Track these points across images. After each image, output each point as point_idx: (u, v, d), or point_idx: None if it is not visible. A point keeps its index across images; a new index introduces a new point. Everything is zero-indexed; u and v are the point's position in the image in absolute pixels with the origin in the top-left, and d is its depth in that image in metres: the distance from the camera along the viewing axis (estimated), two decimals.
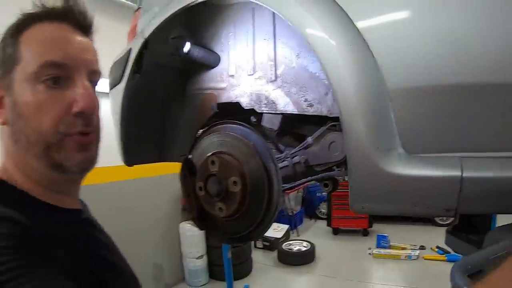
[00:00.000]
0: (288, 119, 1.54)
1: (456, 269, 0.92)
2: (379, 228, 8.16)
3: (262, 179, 1.39)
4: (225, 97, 1.69)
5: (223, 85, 1.70)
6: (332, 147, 1.40)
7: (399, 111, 1.07)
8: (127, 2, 4.88)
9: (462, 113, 1.03)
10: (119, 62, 1.71)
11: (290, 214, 8.54)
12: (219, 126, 1.57)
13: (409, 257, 6.61)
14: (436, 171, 1.02)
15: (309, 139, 1.47)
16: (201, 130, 1.72)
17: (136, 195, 5.16)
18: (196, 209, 1.50)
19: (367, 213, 1.16)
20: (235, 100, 1.64)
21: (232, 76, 1.66)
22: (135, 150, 1.80)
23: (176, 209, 6.03)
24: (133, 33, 1.80)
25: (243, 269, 5.81)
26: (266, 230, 1.48)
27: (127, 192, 5.00)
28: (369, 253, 6.89)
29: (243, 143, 1.44)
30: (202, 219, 1.54)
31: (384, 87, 1.07)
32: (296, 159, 1.48)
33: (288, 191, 1.59)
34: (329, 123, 1.43)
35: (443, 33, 1.03)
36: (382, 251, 6.86)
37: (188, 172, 1.52)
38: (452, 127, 1.05)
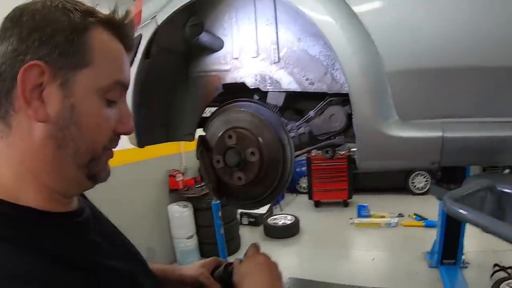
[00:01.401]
0: (288, 96, 1.72)
1: (447, 198, 1.15)
2: (358, 199, 8.50)
3: (276, 148, 1.57)
4: (230, 78, 1.83)
5: (227, 67, 1.84)
6: (332, 118, 1.60)
7: (394, 87, 1.32)
8: None
9: (442, 89, 1.31)
10: None
11: None
12: (231, 104, 1.73)
13: (388, 225, 6.95)
14: (423, 133, 1.30)
15: (311, 113, 1.66)
16: (210, 109, 1.88)
17: (123, 181, 5.20)
18: (214, 180, 1.67)
19: (371, 169, 1.39)
20: (240, 81, 1.79)
21: (236, 58, 1.81)
22: (145, 132, 1.91)
23: (164, 192, 6.15)
24: (138, 18, 1.88)
25: (232, 245, 5.98)
26: (280, 195, 1.67)
27: (113, 179, 5.04)
28: (351, 223, 7.22)
29: (257, 118, 1.61)
30: (220, 190, 1.71)
31: (382, 69, 1.31)
32: (301, 130, 1.67)
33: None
34: (327, 98, 1.64)
35: (424, 23, 1.29)
36: (363, 220, 7.20)
37: (204, 148, 1.69)
38: (435, 99, 1.33)
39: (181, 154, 6.53)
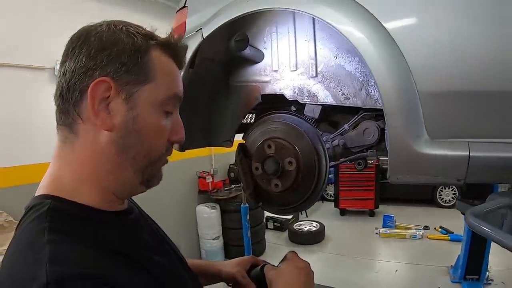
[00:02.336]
0: (324, 109, 1.82)
1: (469, 213, 1.24)
2: (384, 209, 8.48)
3: (312, 158, 1.67)
4: (269, 89, 1.93)
5: (267, 78, 1.94)
6: (366, 132, 1.69)
7: (425, 107, 1.40)
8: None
9: (471, 111, 1.38)
10: None
11: None
12: (271, 115, 1.84)
13: (414, 237, 6.91)
14: (451, 151, 1.37)
15: (346, 126, 1.76)
16: (250, 116, 1.98)
17: None
18: (252, 186, 1.78)
19: (402, 183, 1.47)
20: (279, 92, 1.89)
21: (275, 71, 1.91)
22: (187, 137, 2.03)
23: (193, 192, 6.31)
24: (181, 29, 1.98)
25: (257, 248, 6.11)
26: (314, 202, 1.77)
27: None
28: (376, 233, 7.22)
29: (295, 129, 1.71)
30: (256, 195, 1.82)
31: (414, 88, 1.39)
32: (336, 142, 1.77)
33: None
34: (361, 113, 1.73)
35: (457, 46, 1.36)
36: (388, 230, 7.17)
37: (244, 155, 1.80)
38: (464, 120, 1.40)
39: (212, 156, 6.68)
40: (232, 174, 6.88)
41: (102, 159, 0.80)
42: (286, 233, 7.33)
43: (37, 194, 0.81)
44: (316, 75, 1.78)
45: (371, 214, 8.56)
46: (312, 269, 1.15)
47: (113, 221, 0.83)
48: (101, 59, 0.76)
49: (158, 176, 0.91)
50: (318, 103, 1.78)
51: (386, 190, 8.94)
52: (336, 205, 8.83)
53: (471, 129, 1.38)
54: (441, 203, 8.92)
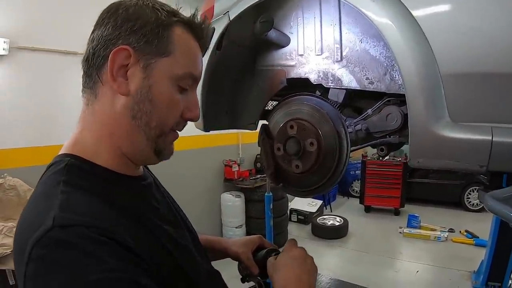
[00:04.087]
0: (348, 94, 1.82)
1: (488, 196, 1.21)
2: (410, 208, 8.35)
3: (334, 140, 1.68)
4: (294, 73, 1.95)
5: (292, 62, 1.96)
6: (389, 117, 1.69)
7: (448, 89, 1.38)
8: None
9: (495, 94, 1.35)
10: None
11: None
12: (295, 97, 1.85)
13: (438, 238, 6.80)
14: (473, 135, 1.34)
15: (369, 111, 1.75)
16: (272, 103, 2.01)
17: (183, 166, 5.48)
18: (273, 166, 1.81)
19: (422, 166, 1.46)
20: (304, 76, 1.90)
21: (301, 55, 1.92)
22: (212, 117, 2.07)
23: (219, 180, 6.40)
24: (209, 14, 2.02)
25: (279, 239, 6.10)
26: (334, 185, 1.77)
27: (174, 163, 5.29)
28: (400, 232, 7.14)
29: (318, 111, 1.72)
30: (277, 176, 1.84)
31: (437, 71, 1.38)
32: (358, 126, 1.76)
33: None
34: (385, 98, 1.73)
35: (479, 29, 1.34)
36: (413, 230, 7.08)
37: (266, 136, 1.82)
38: (487, 104, 1.37)
39: (239, 145, 6.75)
40: (258, 165, 6.93)
41: (118, 122, 0.85)
42: (309, 227, 7.33)
43: (60, 153, 0.88)
44: (341, 60, 1.79)
45: (396, 213, 8.46)
46: (309, 255, 1.17)
47: (125, 183, 0.89)
48: (125, 29, 0.82)
49: (169, 149, 0.95)
50: (342, 87, 1.79)
51: (413, 189, 8.86)
52: (361, 202, 8.76)
53: (495, 113, 1.35)
54: (469, 206, 8.71)
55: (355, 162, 9.41)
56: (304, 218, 7.66)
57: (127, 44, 0.82)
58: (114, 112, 0.85)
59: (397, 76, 1.64)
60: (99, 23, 0.85)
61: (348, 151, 1.67)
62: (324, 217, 7.49)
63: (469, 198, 8.72)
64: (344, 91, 1.79)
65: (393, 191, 8.29)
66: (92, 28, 0.88)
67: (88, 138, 0.87)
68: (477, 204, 8.61)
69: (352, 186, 10.19)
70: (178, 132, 0.96)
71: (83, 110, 0.90)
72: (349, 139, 1.67)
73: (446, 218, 7.93)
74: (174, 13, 0.89)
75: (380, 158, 8.46)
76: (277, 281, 1.04)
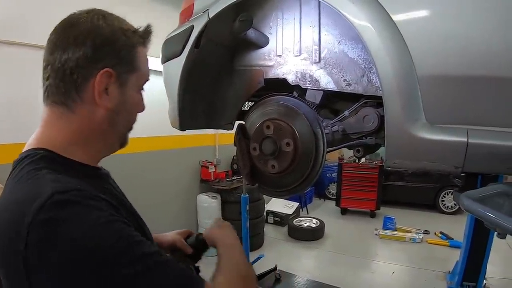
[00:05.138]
0: (326, 96, 1.82)
1: (464, 196, 1.22)
2: (385, 211, 8.45)
3: (310, 141, 1.68)
4: (272, 74, 1.95)
5: (270, 63, 1.96)
6: (365, 119, 1.70)
7: (424, 91, 1.41)
8: None
9: (471, 96, 1.38)
10: (180, 37, 1.94)
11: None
12: (272, 97, 1.84)
13: (413, 240, 6.87)
14: (449, 137, 1.37)
15: (346, 112, 1.76)
16: (249, 104, 2.00)
17: (159, 166, 5.44)
18: (249, 166, 1.79)
19: (398, 167, 1.47)
20: (282, 77, 1.90)
21: (279, 56, 1.92)
22: (188, 116, 2.05)
23: (196, 181, 6.33)
24: (188, 12, 2.02)
25: (256, 241, 6.12)
26: (310, 186, 1.77)
27: (149, 164, 5.30)
28: (376, 234, 7.20)
29: (295, 112, 1.72)
30: (253, 176, 1.83)
31: (414, 73, 1.40)
32: (335, 128, 1.77)
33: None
34: (362, 100, 1.73)
35: (456, 34, 1.37)
36: (388, 232, 7.15)
37: (243, 136, 1.81)
38: (463, 106, 1.40)
39: (216, 146, 6.71)
40: (235, 166, 6.89)
41: (95, 130, 1.00)
42: (285, 228, 7.32)
43: (25, 149, 0.97)
44: (319, 61, 1.79)
45: (372, 215, 8.53)
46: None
47: (95, 173, 1.04)
48: (105, 53, 0.95)
49: (127, 139, 1.14)
50: (320, 88, 1.79)
51: (388, 192, 8.96)
52: (337, 204, 8.81)
53: (471, 115, 1.37)
54: (443, 208, 8.87)
55: (332, 164, 9.48)
56: (281, 220, 7.65)
57: (109, 66, 0.95)
58: (95, 122, 0.98)
59: (374, 78, 1.66)
60: (74, 43, 0.92)
61: (324, 152, 1.68)
62: (301, 219, 7.49)
63: (443, 200, 8.87)
64: (322, 92, 1.80)
65: (369, 193, 8.36)
66: (61, 41, 0.94)
67: (59, 139, 0.96)
68: (451, 206, 8.78)
69: (328, 189, 10.24)
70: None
71: (53, 120, 0.97)
72: (325, 140, 1.68)
73: (421, 220, 8.04)
74: (135, 33, 1.04)
75: (356, 160, 8.53)
76: (214, 235, 1.27)
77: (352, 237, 7.32)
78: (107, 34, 0.96)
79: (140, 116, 1.13)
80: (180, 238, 1.41)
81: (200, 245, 1.37)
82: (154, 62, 4.71)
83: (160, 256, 0.85)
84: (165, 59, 2.04)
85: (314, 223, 7.20)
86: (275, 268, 5.23)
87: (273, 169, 1.70)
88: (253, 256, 4.99)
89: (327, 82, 1.77)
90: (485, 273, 4.75)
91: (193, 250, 1.38)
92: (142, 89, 1.11)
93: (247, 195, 4.71)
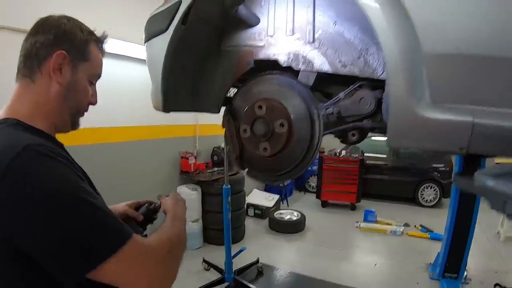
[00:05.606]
0: (319, 78, 1.74)
1: (479, 174, 1.14)
2: (366, 204, 8.52)
3: (306, 122, 1.59)
4: (263, 55, 1.85)
5: (261, 43, 1.86)
6: (362, 101, 1.62)
7: (429, 69, 1.34)
8: None
9: (477, 76, 1.32)
10: (166, 13, 1.83)
11: (281, 185, 8.82)
12: (263, 76, 1.74)
13: (394, 233, 6.93)
14: (454, 117, 1.31)
15: (341, 94, 1.68)
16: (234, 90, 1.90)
17: (138, 157, 5.29)
18: (238, 149, 1.69)
19: (402, 148, 1.40)
20: (273, 58, 1.80)
21: (271, 36, 1.82)
22: (172, 98, 1.93)
23: (175, 172, 6.20)
24: None
25: (236, 234, 6.03)
26: (303, 171, 1.68)
27: (128, 153, 5.15)
28: (356, 226, 7.23)
29: (289, 91, 1.63)
30: (242, 160, 1.73)
31: (419, 51, 1.33)
32: (330, 110, 1.69)
33: None
34: (357, 82, 1.66)
35: (464, 11, 1.31)
36: (369, 225, 7.19)
37: (231, 117, 1.71)
38: (469, 85, 1.34)
39: (196, 137, 6.57)
40: (215, 157, 6.78)
41: (52, 102, 1.19)
42: (266, 221, 7.26)
43: None
44: (313, 41, 1.70)
45: (352, 208, 8.57)
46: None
47: (55, 141, 1.20)
48: (63, 40, 1.19)
49: (78, 123, 1.32)
50: (314, 70, 1.70)
51: (368, 185, 9.03)
52: (318, 197, 8.82)
53: (477, 95, 1.31)
54: (422, 202, 9.04)
55: None
56: (261, 212, 7.60)
57: (64, 50, 1.17)
58: (49, 95, 1.18)
59: (371, 60, 1.59)
60: (42, 31, 1.18)
61: (320, 134, 1.59)
62: (281, 211, 7.44)
63: (422, 194, 9.05)
64: (315, 74, 1.71)
65: (350, 186, 8.39)
66: (34, 29, 1.20)
67: (25, 110, 1.15)
68: (430, 200, 8.98)
69: (308, 182, 10.28)
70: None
71: (20, 92, 1.18)
72: (322, 122, 1.59)
73: (401, 213, 8.13)
74: (91, 33, 1.29)
75: (337, 153, 8.57)
76: (169, 205, 1.43)
77: (333, 229, 7.32)
78: (67, 28, 1.21)
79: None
80: (130, 209, 1.57)
81: (150, 214, 1.56)
82: (136, 49, 4.53)
83: (104, 209, 1.01)
84: (149, 36, 1.93)
85: (295, 216, 7.16)
86: (257, 261, 5.17)
87: (265, 152, 1.61)
88: (235, 249, 4.90)
89: (321, 63, 1.68)
90: (466, 264, 4.84)
91: (143, 218, 1.54)
92: (93, 83, 1.31)
93: (229, 186, 4.62)
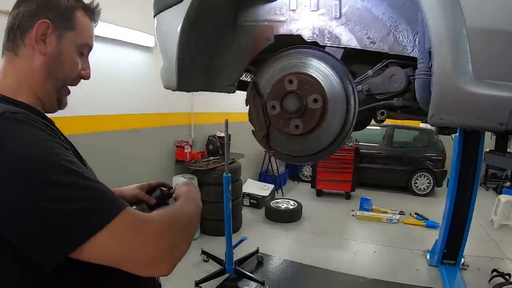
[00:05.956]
0: (344, 56, 1.66)
1: None
2: (360, 192, 8.54)
3: (341, 98, 1.51)
4: (284, 30, 1.76)
5: (282, 18, 1.77)
6: (392, 79, 1.55)
7: (473, 44, 1.29)
8: None
9: None
10: None
11: (275, 174, 8.80)
12: (290, 50, 1.66)
13: (390, 220, 6.96)
14: (495, 92, 1.28)
15: (370, 72, 1.61)
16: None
17: (132, 145, 5.14)
18: (265, 128, 1.61)
19: (443, 124, 1.36)
20: (296, 33, 1.71)
21: (293, 10, 1.73)
22: (186, 76, 1.83)
23: (170, 162, 6.07)
24: None
25: (234, 224, 5.91)
26: (335, 151, 1.60)
27: (122, 142, 4.99)
28: (353, 215, 7.24)
29: (322, 65, 1.55)
30: (269, 139, 1.65)
31: (463, 26, 1.29)
32: (359, 87, 1.61)
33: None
34: (385, 60, 1.59)
35: None
36: (365, 213, 7.21)
37: (257, 93, 1.62)
38: (510, 62, 1.30)
39: (191, 126, 6.46)
40: (210, 146, 6.68)
41: (36, 74, 1.12)
42: (262, 211, 7.22)
43: None
44: (340, 17, 1.63)
45: (347, 196, 8.58)
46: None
47: (42, 116, 1.11)
48: (46, 8, 1.12)
49: (65, 100, 1.24)
50: (341, 46, 1.63)
51: (363, 174, 9.03)
52: (313, 186, 8.79)
53: None
54: (416, 190, 9.10)
55: None
56: (257, 202, 7.54)
57: (48, 19, 1.10)
58: (33, 67, 1.11)
59: (401, 37, 1.53)
60: (24, 2, 1.12)
61: (356, 110, 1.52)
62: (278, 200, 7.40)
63: (416, 183, 9.10)
64: (342, 50, 1.64)
65: (345, 175, 8.39)
66: (17, 3, 1.13)
67: (10, 84, 1.10)
68: (423, 188, 9.05)
69: (302, 171, 10.25)
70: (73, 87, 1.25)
71: (4, 67, 1.12)
72: (357, 97, 1.52)
73: (395, 202, 8.16)
74: (78, 1, 1.20)
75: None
76: (181, 190, 1.32)
77: (329, 218, 7.30)
78: None
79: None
80: (141, 192, 1.47)
81: (164, 198, 1.46)
82: (124, 33, 4.35)
83: (92, 178, 0.92)
84: (160, 9, 1.81)
85: (292, 205, 7.14)
86: (257, 251, 5.12)
87: (297, 129, 1.52)
88: (235, 239, 4.84)
89: (348, 39, 1.61)
90: (463, 251, 4.91)
91: (155, 202, 1.44)
92: (83, 54, 1.22)
93: (230, 175, 4.53)
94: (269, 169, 8.96)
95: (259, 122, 1.62)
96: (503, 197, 6.89)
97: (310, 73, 1.54)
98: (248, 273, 4.55)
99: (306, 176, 10.03)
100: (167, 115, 5.80)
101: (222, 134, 6.81)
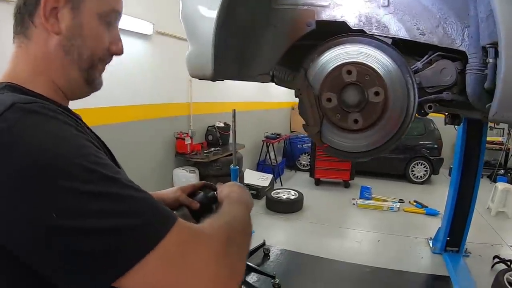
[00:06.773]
0: None
1: None
2: (358, 181, 8.54)
3: (402, 91, 1.45)
4: (327, 15, 1.67)
5: (324, 3, 1.67)
6: (443, 72, 1.51)
7: None
8: None
9: None
10: None
11: (273, 164, 8.76)
12: (344, 38, 1.59)
13: (391, 209, 7.00)
14: None
15: (419, 64, 1.55)
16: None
17: (130, 138, 5.03)
18: (320, 122, 1.53)
19: (504, 121, 1.31)
20: (340, 19, 1.64)
21: None
22: (222, 63, 1.70)
23: (170, 154, 5.98)
24: None
25: None
26: (393, 146, 1.55)
27: (119, 135, 4.80)
28: (353, 204, 7.26)
29: (381, 55, 1.49)
30: (322, 133, 1.58)
31: None
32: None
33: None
34: (433, 52, 1.54)
35: None
36: (366, 201, 7.22)
37: (309, 83, 1.54)
38: None
39: (190, 116, 6.35)
40: (210, 137, 6.61)
41: (52, 58, 0.93)
42: (262, 201, 7.16)
43: None
44: (388, 5, 1.56)
45: (346, 185, 8.60)
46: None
47: (64, 108, 0.94)
48: None
49: (100, 79, 1.04)
50: (389, 35, 1.57)
51: (360, 163, 9.01)
52: (311, 175, 8.78)
53: None
54: (413, 178, 9.19)
55: (302, 135, 9.46)
56: (257, 192, 7.46)
57: None
58: (48, 50, 0.92)
59: (450, 29, 1.48)
60: None
61: (415, 103, 1.46)
62: (278, 191, 7.34)
63: (413, 171, 9.19)
64: (390, 40, 1.58)
65: (343, 164, 8.36)
66: None
67: (24, 72, 0.92)
68: (421, 176, 9.15)
69: (299, 160, 10.22)
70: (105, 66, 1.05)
71: (16, 52, 0.95)
72: (416, 89, 1.46)
73: (393, 190, 8.19)
74: None
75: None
76: (224, 192, 1.17)
77: (330, 207, 7.31)
78: None
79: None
80: (183, 195, 1.30)
81: (209, 201, 1.25)
82: (134, 23, 4.19)
83: (130, 184, 0.75)
84: None
85: (293, 195, 7.10)
86: (263, 244, 5.08)
87: (356, 124, 1.46)
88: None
89: (397, 29, 1.55)
90: (466, 239, 5.02)
91: (199, 206, 1.25)
92: (109, 22, 0.99)
93: (237, 167, 4.46)
94: (267, 158, 8.92)
95: (313, 116, 1.54)
96: (500, 185, 6.98)
97: (369, 64, 1.48)
98: (257, 267, 4.50)
99: (304, 165, 10.02)
100: (166, 105, 5.70)
101: (221, 124, 6.74)
